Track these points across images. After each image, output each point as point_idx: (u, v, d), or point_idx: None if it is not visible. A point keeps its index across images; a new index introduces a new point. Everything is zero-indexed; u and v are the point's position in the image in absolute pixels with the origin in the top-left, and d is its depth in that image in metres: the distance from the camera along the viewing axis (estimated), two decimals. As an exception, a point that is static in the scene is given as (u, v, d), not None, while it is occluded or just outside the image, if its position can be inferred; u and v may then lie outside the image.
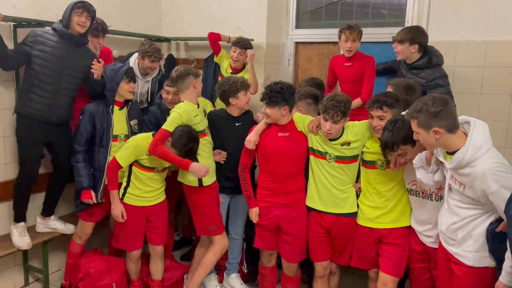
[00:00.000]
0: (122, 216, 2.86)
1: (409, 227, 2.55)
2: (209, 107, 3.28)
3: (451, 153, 2.01)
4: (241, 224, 3.28)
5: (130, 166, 2.87)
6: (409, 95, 2.69)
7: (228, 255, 3.35)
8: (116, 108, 3.01)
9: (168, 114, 2.85)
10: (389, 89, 2.71)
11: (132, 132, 3.08)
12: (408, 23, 3.57)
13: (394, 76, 3.30)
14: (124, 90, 2.98)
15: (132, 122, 3.11)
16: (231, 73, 3.65)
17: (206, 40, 4.03)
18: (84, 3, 2.81)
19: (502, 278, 1.88)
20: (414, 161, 2.25)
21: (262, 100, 2.72)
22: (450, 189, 2.11)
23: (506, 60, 3.12)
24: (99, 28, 3.14)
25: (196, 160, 2.82)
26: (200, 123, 2.89)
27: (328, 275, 2.83)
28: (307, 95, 2.97)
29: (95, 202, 2.97)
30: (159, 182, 2.95)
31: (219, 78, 3.73)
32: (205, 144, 2.94)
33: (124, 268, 3.18)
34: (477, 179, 1.91)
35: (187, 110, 2.79)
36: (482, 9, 3.18)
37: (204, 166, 2.78)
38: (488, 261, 2.01)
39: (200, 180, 2.87)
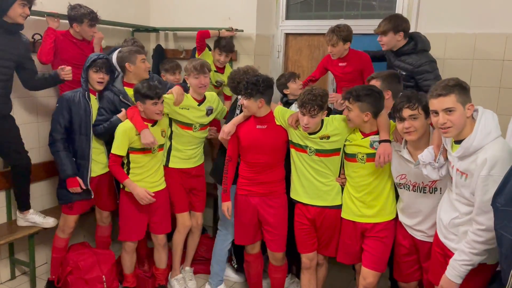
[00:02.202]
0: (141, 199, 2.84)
1: (394, 220, 2.56)
2: (219, 106, 3.28)
3: (459, 142, 2.00)
4: None
5: (128, 156, 2.87)
6: (397, 83, 2.73)
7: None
8: (92, 96, 2.96)
9: (125, 98, 3.00)
10: (376, 82, 2.67)
11: None
12: (398, 15, 3.57)
13: (385, 64, 3.31)
14: (92, 79, 2.91)
15: None
16: (215, 71, 3.65)
17: (195, 30, 3.98)
18: None
19: (448, 274, 1.96)
20: (421, 157, 2.20)
21: (239, 91, 2.76)
22: (452, 182, 2.10)
23: (495, 52, 3.13)
24: (94, 18, 3.09)
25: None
26: (186, 117, 3.02)
27: (315, 266, 2.84)
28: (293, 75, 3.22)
29: (84, 188, 2.92)
30: (157, 163, 2.97)
31: None
32: (185, 136, 3.07)
33: (114, 260, 3.19)
34: (478, 165, 1.88)
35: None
36: (472, 2, 3.17)
37: (153, 138, 2.79)
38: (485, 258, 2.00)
39: (167, 161, 3.06)
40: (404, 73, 3.02)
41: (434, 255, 2.27)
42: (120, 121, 2.88)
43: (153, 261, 3.25)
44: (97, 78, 2.90)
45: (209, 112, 3.14)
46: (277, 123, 2.78)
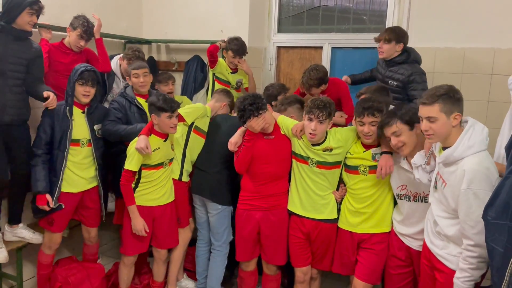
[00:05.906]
0: (144, 229, 2.81)
1: (389, 233, 2.56)
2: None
3: (445, 148, 2.02)
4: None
5: (140, 171, 2.79)
6: (386, 95, 2.78)
7: None
8: (78, 111, 2.89)
9: (135, 104, 3.08)
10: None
11: (96, 137, 2.96)
12: (388, 29, 3.62)
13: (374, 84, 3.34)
14: (78, 92, 2.84)
15: (96, 127, 2.98)
16: (231, 73, 3.68)
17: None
18: (40, 4, 2.70)
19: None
20: (413, 160, 2.24)
21: (248, 118, 2.62)
22: (435, 187, 2.13)
23: (483, 67, 3.19)
24: (88, 32, 3.06)
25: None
26: (205, 125, 3.13)
27: (309, 280, 2.82)
28: (296, 101, 3.00)
29: (52, 207, 2.82)
30: (166, 178, 2.92)
31: (216, 83, 3.67)
32: (200, 144, 3.12)
33: (104, 274, 3.14)
34: (458, 177, 1.91)
35: (206, 109, 3.12)
36: (461, 17, 3.24)
37: (145, 145, 2.66)
38: None
39: (180, 175, 3.05)
40: (395, 83, 3.06)
41: (422, 267, 2.28)
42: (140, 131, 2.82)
43: (144, 273, 3.20)
44: (82, 91, 2.83)
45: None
46: (282, 132, 2.77)
